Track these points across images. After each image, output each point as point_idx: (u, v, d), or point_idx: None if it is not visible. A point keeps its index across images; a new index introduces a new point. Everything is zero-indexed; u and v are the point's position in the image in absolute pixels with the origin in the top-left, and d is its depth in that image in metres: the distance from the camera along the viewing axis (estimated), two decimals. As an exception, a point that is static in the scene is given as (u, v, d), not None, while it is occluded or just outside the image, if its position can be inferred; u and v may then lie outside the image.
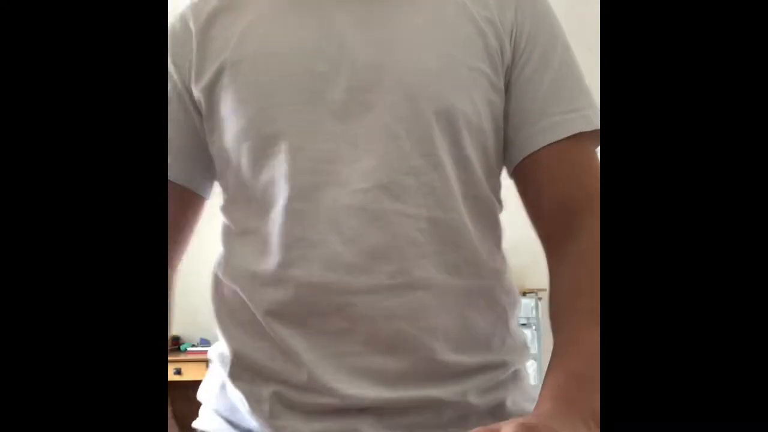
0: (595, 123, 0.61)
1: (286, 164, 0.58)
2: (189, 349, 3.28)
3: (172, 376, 2.96)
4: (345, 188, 0.56)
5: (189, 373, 3.02)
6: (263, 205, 0.61)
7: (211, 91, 0.62)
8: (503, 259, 0.67)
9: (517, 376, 0.66)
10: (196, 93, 0.64)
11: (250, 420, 0.65)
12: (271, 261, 0.61)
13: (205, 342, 3.39)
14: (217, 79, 0.61)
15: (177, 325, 3.52)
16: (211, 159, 0.68)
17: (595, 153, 0.63)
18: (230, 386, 0.69)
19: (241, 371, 0.67)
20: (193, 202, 0.79)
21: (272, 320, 0.61)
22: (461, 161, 0.59)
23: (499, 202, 0.66)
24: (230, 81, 0.61)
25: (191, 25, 0.66)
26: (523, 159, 0.61)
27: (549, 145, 0.59)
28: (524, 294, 3.15)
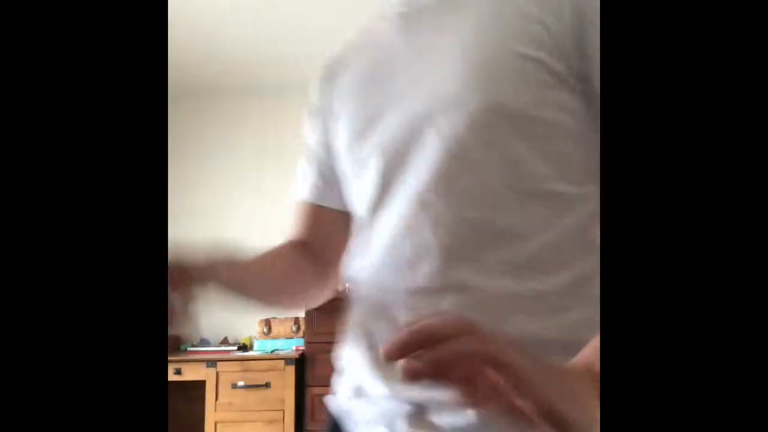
0: None
1: None
2: (189, 349, 3.28)
3: (172, 376, 2.96)
4: None
5: (189, 373, 3.02)
6: None
7: None
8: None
9: None
10: None
11: None
12: None
13: (205, 342, 3.39)
14: None
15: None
16: None
17: None
18: None
19: None
20: (336, 221, 0.82)
21: None
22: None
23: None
24: None
25: None
26: None
27: None
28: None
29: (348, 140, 0.73)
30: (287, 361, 3.00)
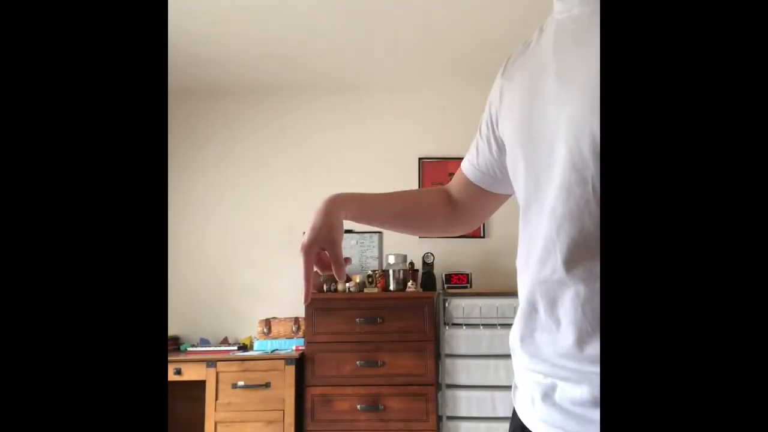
0: None
1: None
2: (189, 349, 3.28)
3: (172, 376, 2.96)
4: None
5: (189, 373, 3.02)
6: None
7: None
8: None
9: None
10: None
11: None
12: None
13: (205, 342, 3.39)
14: None
15: (177, 326, 3.52)
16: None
17: None
18: None
19: None
20: (488, 197, 0.98)
21: None
22: None
23: None
24: None
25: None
26: None
27: None
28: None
29: (509, 144, 0.82)
30: (287, 361, 3.00)
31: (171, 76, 3.44)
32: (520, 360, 0.76)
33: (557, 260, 0.68)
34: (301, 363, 3.04)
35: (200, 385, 3.04)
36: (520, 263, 0.77)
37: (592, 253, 0.65)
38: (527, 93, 0.77)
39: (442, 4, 2.80)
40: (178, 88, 3.64)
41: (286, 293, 3.52)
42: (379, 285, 3.18)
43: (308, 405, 2.99)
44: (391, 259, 3.27)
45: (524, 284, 0.75)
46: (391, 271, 3.20)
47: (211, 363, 3.00)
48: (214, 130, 3.78)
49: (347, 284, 3.17)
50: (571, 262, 0.67)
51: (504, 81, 0.87)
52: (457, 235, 1.07)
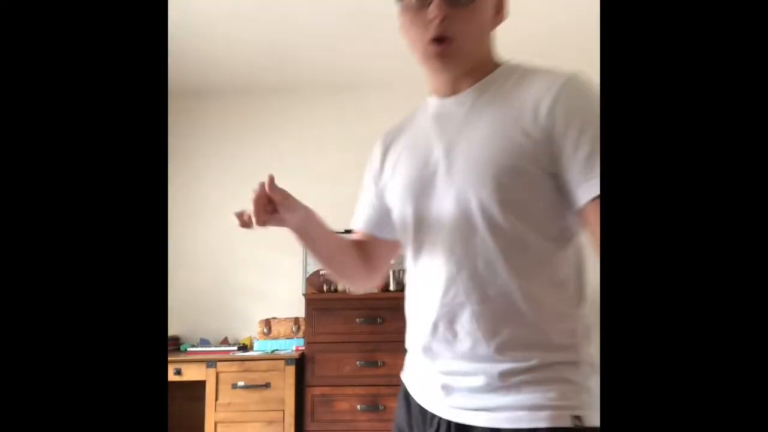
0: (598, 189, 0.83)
1: None
2: (189, 349, 3.28)
3: (172, 376, 2.96)
4: None
5: (189, 373, 3.02)
6: None
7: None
8: None
9: None
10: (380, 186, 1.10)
11: None
12: None
13: (205, 342, 3.39)
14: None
15: (177, 326, 3.52)
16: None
17: None
18: None
19: None
20: (379, 244, 1.16)
21: None
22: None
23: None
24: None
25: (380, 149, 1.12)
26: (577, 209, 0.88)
27: (586, 203, 0.85)
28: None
29: (398, 205, 1.02)
30: (287, 361, 3.00)
31: (171, 76, 3.44)
32: (422, 363, 0.98)
33: (459, 288, 0.91)
34: (301, 363, 3.04)
35: (200, 385, 3.04)
36: (418, 292, 0.99)
37: (485, 282, 0.89)
38: (416, 164, 0.99)
39: (442, 4, 2.80)
40: (178, 89, 3.64)
41: (286, 293, 3.52)
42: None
43: (308, 405, 2.98)
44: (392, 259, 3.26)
45: (427, 308, 0.95)
46: (391, 271, 3.20)
47: (211, 363, 3.00)
48: (213, 130, 3.78)
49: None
50: (470, 289, 0.90)
51: (384, 153, 1.09)
52: (363, 287, 1.21)
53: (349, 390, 2.96)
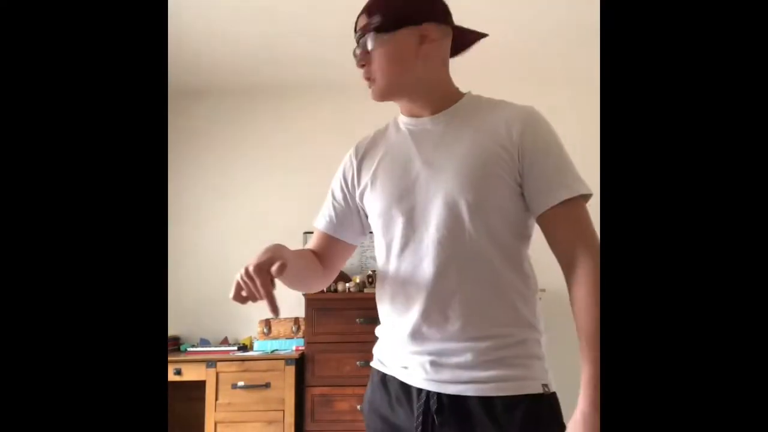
0: (557, 198, 1.02)
1: None
2: (189, 349, 3.28)
3: (172, 377, 2.96)
4: None
5: (189, 373, 3.02)
6: None
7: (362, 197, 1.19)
8: None
9: None
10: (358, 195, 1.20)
11: None
12: None
13: (205, 342, 3.39)
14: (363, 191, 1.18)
15: (177, 326, 3.52)
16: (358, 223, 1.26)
17: (581, 208, 1.04)
18: None
19: None
20: (336, 245, 1.27)
21: None
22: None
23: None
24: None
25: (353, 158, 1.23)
26: (538, 216, 1.05)
27: (543, 212, 1.04)
28: (524, 294, 3.15)
29: (382, 206, 1.12)
30: (287, 361, 3.00)
31: (170, 76, 3.44)
32: (406, 347, 1.08)
33: (449, 278, 1.04)
34: (301, 363, 3.04)
35: (200, 385, 3.04)
36: (402, 284, 1.09)
37: (472, 272, 1.04)
38: (397, 173, 1.12)
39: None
40: (177, 89, 3.64)
41: (286, 293, 3.49)
42: (379, 285, 3.17)
43: (308, 405, 2.99)
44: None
45: (416, 297, 1.07)
46: (391, 271, 3.19)
47: (211, 363, 3.00)
48: (213, 130, 3.78)
49: (347, 284, 3.17)
50: (460, 279, 1.04)
51: (360, 161, 1.20)
52: (319, 289, 1.32)
53: (349, 390, 2.96)
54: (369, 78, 1.14)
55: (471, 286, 1.04)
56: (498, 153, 1.04)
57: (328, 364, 3.01)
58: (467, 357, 1.03)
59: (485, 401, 1.00)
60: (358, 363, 2.97)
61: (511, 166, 1.04)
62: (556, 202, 1.02)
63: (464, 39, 1.19)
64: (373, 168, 1.17)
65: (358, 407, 2.92)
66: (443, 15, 1.13)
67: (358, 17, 1.14)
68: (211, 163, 3.75)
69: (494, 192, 1.04)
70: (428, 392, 1.05)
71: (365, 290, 3.16)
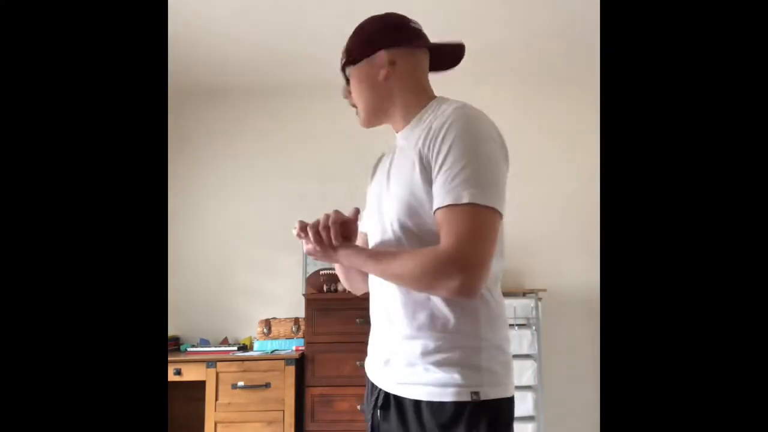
0: (442, 202, 1.04)
1: None
2: (189, 349, 3.28)
3: (172, 377, 2.96)
4: None
5: (189, 373, 3.02)
6: None
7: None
8: None
9: None
10: None
11: None
12: None
13: (205, 342, 3.39)
14: None
15: (177, 326, 3.52)
16: None
17: (467, 212, 1.03)
18: None
19: None
20: None
21: None
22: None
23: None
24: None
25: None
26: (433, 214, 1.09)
27: (438, 208, 1.05)
28: (524, 294, 3.16)
29: (368, 220, 1.27)
30: (287, 361, 3.00)
31: (170, 76, 3.44)
32: (373, 345, 1.24)
33: (392, 286, 1.13)
34: (301, 363, 3.04)
35: (200, 385, 3.04)
36: (373, 289, 1.24)
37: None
38: (375, 191, 1.24)
39: (442, 6, 2.80)
40: (177, 89, 3.64)
41: (286, 293, 3.52)
42: (379, 285, 3.18)
43: (308, 405, 2.99)
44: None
45: (378, 299, 1.20)
46: (391, 272, 3.19)
47: (211, 363, 3.00)
48: (213, 130, 3.78)
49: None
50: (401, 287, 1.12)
51: (372, 175, 1.32)
52: (364, 291, 1.39)
53: (349, 390, 2.96)
54: (354, 105, 1.27)
55: (405, 291, 1.11)
56: (415, 163, 1.11)
57: (328, 364, 3.01)
58: (405, 358, 1.10)
59: (416, 404, 1.08)
60: (357, 363, 2.97)
61: (424, 173, 1.10)
62: (441, 205, 1.04)
63: (451, 52, 1.28)
64: (372, 183, 1.31)
65: (359, 407, 2.93)
66: (409, 39, 1.22)
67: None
68: (211, 163, 3.75)
69: (417, 202, 1.09)
70: (379, 390, 1.17)
71: (365, 290, 3.16)
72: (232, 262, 3.63)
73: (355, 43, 1.24)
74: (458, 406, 1.04)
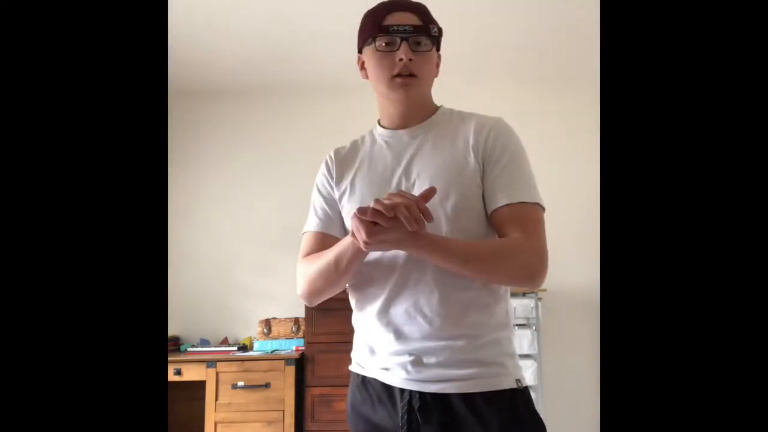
0: (517, 198, 1.11)
1: None
2: (189, 349, 3.28)
3: (172, 377, 2.96)
4: None
5: (189, 373, 3.02)
6: None
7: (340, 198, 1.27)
8: None
9: None
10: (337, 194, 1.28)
11: None
12: None
13: (205, 342, 3.39)
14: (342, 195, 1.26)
15: (177, 326, 3.52)
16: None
17: (526, 209, 1.12)
18: None
19: None
20: (332, 242, 1.26)
21: None
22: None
23: None
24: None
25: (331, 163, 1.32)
26: (491, 213, 1.14)
27: (498, 207, 1.12)
28: (524, 294, 3.16)
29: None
30: (287, 361, 3.00)
31: (171, 76, 3.44)
32: (385, 349, 1.17)
33: (428, 279, 1.11)
34: (301, 363, 3.04)
35: (200, 385, 3.04)
36: (381, 287, 1.19)
37: (450, 276, 1.09)
38: (375, 180, 1.21)
39: (442, 4, 2.80)
40: (177, 89, 3.64)
41: (286, 293, 3.52)
42: (379, 285, 3.17)
43: (308, 405, 2.99)
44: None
45: (396, 298, 1.15)
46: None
47: (211, 363, 3.00)
48: (213, 130, 3.78)
49: (347, 285, 3.17)
50: (437, 279, 1.11)
51: (340, 167, 1.29)
52: (339, 291, 1.37)
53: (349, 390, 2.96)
54: (411, 73, 1.18)
55: (447, 287, 1.11)
56: (469, 161, 1.15)
57: (328, 364, 3.01)
58: (446, 356, 1.10)
59: (466, 397, 1.08)
60: (358, 363, 2.97)
61: (477, 171, 1.16)
62: (500, 205, 1.11)
63: None
64: (351, 175, 1.26)
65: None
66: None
67: (391, 11, 1.19)
68: (212, 163, 3.75)
69: (469, 198, 1.13)
70: (410, 392, 1.12)
71: (365, 290, 3.16)
72: (232, 262, 3.63)
73: (435, 25, 1.26)
74: (512, 393, 1.10)
